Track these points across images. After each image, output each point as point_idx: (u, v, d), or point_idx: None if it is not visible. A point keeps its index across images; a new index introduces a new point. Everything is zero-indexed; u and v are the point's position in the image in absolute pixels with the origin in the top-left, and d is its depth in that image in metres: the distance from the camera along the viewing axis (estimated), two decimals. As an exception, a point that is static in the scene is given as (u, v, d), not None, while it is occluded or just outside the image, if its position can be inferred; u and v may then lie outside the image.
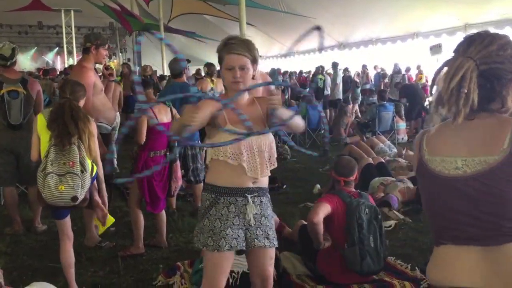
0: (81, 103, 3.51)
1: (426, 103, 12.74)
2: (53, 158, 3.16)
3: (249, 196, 2.41)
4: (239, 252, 2.47)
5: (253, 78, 2.44)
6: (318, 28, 2.19)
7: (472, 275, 1.49)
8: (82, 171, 3.17)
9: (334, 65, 14.40)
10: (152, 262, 4.14)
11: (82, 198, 3.20)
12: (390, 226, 4.89)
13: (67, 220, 3.43)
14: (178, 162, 4.51)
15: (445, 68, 1.52)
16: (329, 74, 14.99)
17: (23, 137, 4.62)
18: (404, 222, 5.04)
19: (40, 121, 3.35)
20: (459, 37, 12.95)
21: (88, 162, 3.26)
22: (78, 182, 3.14)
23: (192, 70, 13.23)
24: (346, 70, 15.94)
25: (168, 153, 4.33)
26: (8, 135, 4.56)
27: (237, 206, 2.40)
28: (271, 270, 2.58)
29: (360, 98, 13.81)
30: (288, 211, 5.39)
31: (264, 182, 2.49)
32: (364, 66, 16.67)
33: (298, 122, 2.51)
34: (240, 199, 2.41)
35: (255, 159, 2.39)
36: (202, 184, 5.49)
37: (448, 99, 1.47)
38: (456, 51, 1.55)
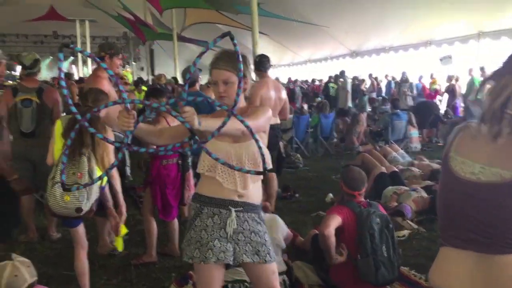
0: (103, 112, 3.53)
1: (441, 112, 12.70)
2: (63, 168, 3.18)
3: (233, 209, 2.33)
4: (228, 266, 2.42)
5: (244, 91, 2.37)
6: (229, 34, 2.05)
7: (464, 282, 1.52)
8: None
9: (342, 73, 14.43)
10: (164, 270, 4.15)
11: (88, 209, 3.20)
12: (403, 236, 4.85)
13: (80, 229, 3.44)
14: (190, 171, 4.52)
15: (491, 83, 1.49)
16: (340, 81, 14.99)
17: (36, 145, 4.67)
18: (418, 231, 4.99)
19: (58, 128, 3.37)
20: (472, 45, 12.91)
21: (97, 173, 3.28)
22: (84, 194, 3.15)
23: (204, 79, 13.31)
24: (355, 78, 15.94)
25: (180, 161, 4.35)
26: (22, 143, 4.62)
27: (221, 218, 2.33)
28: (277, 284, 2.48)
29: (367, 107, 13.79)
30: (301, 219, 5.38)
31: (253, 198, 2.40)
32: (370, 75, 16.65)
33: (231, 126, 2.04)
34: (224, 211, 2.34)
35: (233, 172, 2.30)
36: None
37: (490, 118, 1.46)
38: (506, 64, 1.51)
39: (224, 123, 1.96)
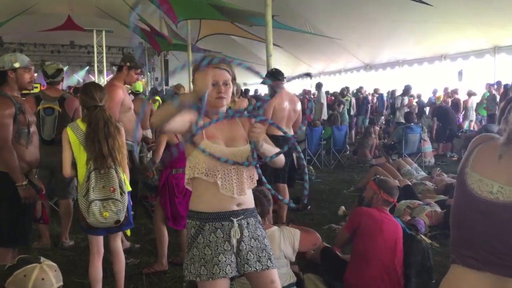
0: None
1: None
2: (94, 184, 3.24)
3: (234, 220, 2.31)
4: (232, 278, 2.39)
5: (232, 95, 2.42)
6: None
7: None
8: (121, 194, 3.28)
9: (318, 86, 14.39)
10: (175, 280, 4.15)
11: (123, 218, 3.32)
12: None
13: (101, 237, 3.49)
14: None
15: None
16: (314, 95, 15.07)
17: (56, 152, 4.75)
18: (432, 246, 4.94)
19: (71, 136, 3.37)
20: (488, 59, 12.83)
21: (126, 182, 3.36)
22: (120, 207, 3.27)
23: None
24: (359, 91, 15.93)
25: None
26: (43, 151, 4.67)
27: (224, 231, 2.30)
28: None
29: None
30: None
31: (248, 203, 2.39)
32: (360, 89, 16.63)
33: (281, 160, 2.43)
34: (226, 223, 2.30)
35: (231, 176, 2.30)
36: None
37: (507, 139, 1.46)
38: None
39: (280, 153, 2.24)
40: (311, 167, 9.14)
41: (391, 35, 13.77)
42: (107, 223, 3.27)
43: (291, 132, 5.62)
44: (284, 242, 3.50)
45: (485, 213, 1.46)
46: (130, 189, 3.48)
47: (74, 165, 3.41)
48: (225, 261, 2.27)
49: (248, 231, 2.36)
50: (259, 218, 2.49)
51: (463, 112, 13.65)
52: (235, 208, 2.33)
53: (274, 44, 7.81)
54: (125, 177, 3.44)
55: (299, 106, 5.72)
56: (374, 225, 3.53)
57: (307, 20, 13.96)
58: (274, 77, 5.65)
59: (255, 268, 2.33)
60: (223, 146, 2.32)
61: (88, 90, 3.46)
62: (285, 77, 5.86)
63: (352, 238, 3.74)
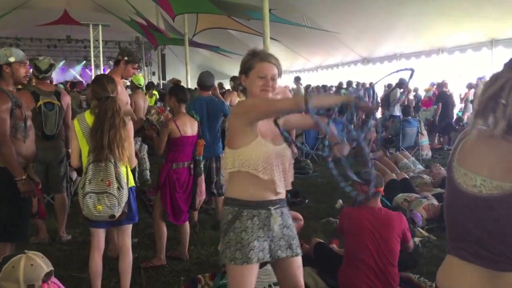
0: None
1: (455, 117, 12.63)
2: (91, 176, 3.24)
3: (272, 208, 2.39)
4: (261, 265, 2.46)
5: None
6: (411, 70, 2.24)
7: None
8: (118, 188, 3.25)
9: (297, 80, 14.38)
10: (173, 274, 4.16)
11: (120, 213, 3.29)
12: (414, 243, 4.81)
13: (102, 231, 3.50)
14: (202, 176, 4.54)
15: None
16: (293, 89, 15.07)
17: (54, 147, 4.85)
18: (429, 239, 4.96)
19: (76, 127, 3.38)
20: (485, 53, 12.82)
21: (124, 176, 3.33)
22: (115, 202, 3.23)
23: (215, 83, 13.39)
24: (358, 85, 15.90)
25: (191, 165, 4.36)
26: (41, 146, 4.67)
27: (260, 218, 2.38)
28: (302, 280, 2.55)
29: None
30: (311, 226, 5.36)
31: (284, 193, 2.48)
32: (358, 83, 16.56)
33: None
34: (263, 211, 2.38)
35: (280, 172, 2.39)
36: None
37: (483, 110, 1.44)
38: (505, 64, 1.51)
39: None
40: (308, 161, 9.15)
41: (388, 29, 13.75)
42: (100, 216, 3.25)
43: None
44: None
45: (471, 208, 1.45)
46: (133, 184, 3.46)
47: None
48: (258, 247, 2.35)
49: (282, 220, 2.45)
50: (288, 207, 2.58)
51: (462, 105, 13.66)
52: (273, 197, 2.41)
53: (271, 38, 7.79)
54: (128, 172, 3.41)
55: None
56: (354, 225, 3.52)
57: (305, 13, 13.92)
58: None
59: (286, 254, 2.44)
60: (272, 145, 2.40)
61: (100, 81, 3.47)
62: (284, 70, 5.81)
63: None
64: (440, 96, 12.35)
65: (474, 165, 1.49)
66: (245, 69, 2.45)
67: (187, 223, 4.49)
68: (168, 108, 4.91)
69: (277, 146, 2.42)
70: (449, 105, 11.87)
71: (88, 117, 3.39)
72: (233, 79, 8.73)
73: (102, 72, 20.19)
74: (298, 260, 2.52)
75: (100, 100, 3.36)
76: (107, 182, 3.23)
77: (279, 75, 2.47)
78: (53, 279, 2.22)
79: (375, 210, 3.57)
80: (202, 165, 4.50)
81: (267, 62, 2.41)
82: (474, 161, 1.49)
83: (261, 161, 2.33)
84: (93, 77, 20.37)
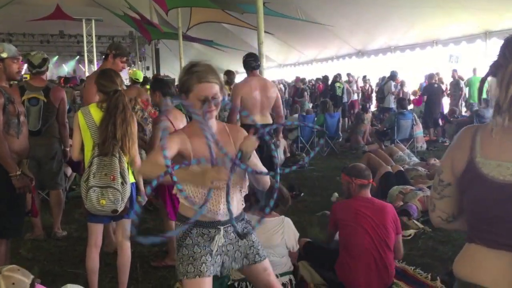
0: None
1: (445, 110, 12.65)
2: (96, 170, 3.22)
3: (221, 228, 2.33)
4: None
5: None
6: None
7: (500, 280, 1.48)
8: (122, 183, 3.24)
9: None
10: (170, 269, 4.15)
11: (122, 209, 3.28)
12: (409, 235, 4.83)
13: (101, 227, 3.47)
14: None
15: (498, 76, 1.47)
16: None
17: (42, 143, 4.76)
18: (424, 231, 4.98)
19: (80, 120, 3.35)
20: (479, 44, 12.84)
21: (129, 172, 3.32)
22: (118, 197, 3.22)
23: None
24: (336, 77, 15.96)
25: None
26: (30, 142, 4.65)
27: (210, 235, 2.33)
28: (272, 279, 2.53)
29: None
30: (306, 219, 5.37)
31: (236, 211, 2.35)
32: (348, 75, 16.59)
33: (266, 181, 2.41)
34: (213, 230, 2.33)
35: (220, 196, 2.25)
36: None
37: (508, 107, 1.43)
38: (502, 56, 1.50)
39: (266, 174, 2.29)
40: (303, 154, 9.16)
41: (383, 22, 13.73)
42: (103, 211, 3.24)
43: (268, 120, 5.45)
44: (288, 232, 3.51)
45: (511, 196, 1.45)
46: (133, 180, 3.43)
47: (83, 150, 3.40)
48: (210, 260, 2.31)
49: (234, 236, 2.39)
50: (246, 218, 2.49)
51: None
52: (223, 218, 2.32)
53: (265, 32, 7.76)
54: (132, 167, 3.40)
55: (273, 92, 5.49)
56: (349, 217, 3.52)
57: (299, 6, 13.87)
58: (244, 67, 5.58)
59: (242, 264, 2.45)
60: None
61: (108, 75, 3.44)
62: (258, 64, 5.71)
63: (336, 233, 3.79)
64: (426, 89, 12.39)
65: (506, 155, 1.47)
66: (184, 90, 2.26)
67: None
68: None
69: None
70: (436, 97, 11.85)
71: (94, 111, 3.36)
72: (227, 73, 8.71)
73: (95, 67, 20.13)
74: (263, 264, 2.48)
75: (108, 94, 3.33)
76: (112, 177, 3.21)
77: (222, 87, 2.29)
78: (39, 286, 2.19)
79: (368, 199, 3.61)
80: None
81: (206, 83, 2.21)
82: (504, 151, 1.48)
83: (192, 185, 2.22)
84: (86, 73, 20.29)
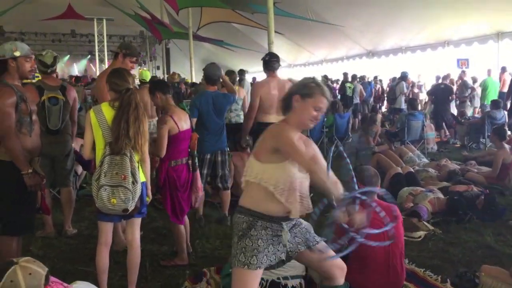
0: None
1: (455, 111, 12.55)
2: (107, 169, 3.23)
3: (284, 224, 2.53)
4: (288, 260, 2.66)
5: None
6: None
7: None
8: (133, 183, 3.25)
9: (240, 73, 14.24)
10: (178, 267, 4.17)
11: (133, 208, 3.30)
12: (419, 237, 4.80)
13: (111, 225, 3.50)
14: (198, 172, 4.39)
15: None
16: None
17: (59, 141, 4.86)
18: (434, 233, 4.94)
19: (92, 119, 3.36)
20: (491, 45, 12.74)
21: (140, 171, 3.34)
22: (129, 196, 3.23)
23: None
24: (362, 78, 15.88)
25: (189, 161, 4.24)
26: (46, 140, 4.68)
27: (273, 229, 2.52)
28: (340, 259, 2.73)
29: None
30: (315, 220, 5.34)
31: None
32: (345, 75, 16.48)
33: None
34: (275, 225, 2.52)
35: (295, 195, 2.49)
36: (229, 190, 5.50)
37: None
38: None
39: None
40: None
41: (393, 22, 13.66)
42: (114, 210, 3.26)
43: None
44: None
45: None
46: (144, 179, 3.44)
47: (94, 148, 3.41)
48: (272, 251, 2.52)
49: (291, 227, 2.63)
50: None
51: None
52: (286, 215, 2.52)
53: (275, 32, 7.76)
54: (141, 166, 3.41)
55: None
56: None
57: (309, 7, 13.84)
58: (265, 67, 5.62)
59: (307, 245, 2.64)
60: (297, 171, 2.48)
61: (120, 74, 3.47)
62: (279, 65, 5.76)
63: None
64: (433, 90, 12.30)
65: None
66: (304, 93, 2.50)
67: (187, 222, 4.42)
68: None
69: (301, 173, 2.50)
70: (443, 98, 11.74)
71: (106, 109, 3.36)
72: (228, 73, 8.71)
73: (106, 66, 20.24)
74: (322, 244, 2.67)
75: (121, 92, 3.35)
76: (122, 176, 3.22)
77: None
78: (52, 278, 2.21)
79: (380, 203, 3.54)
80: (196, 160, 4.37)
81: (326, 98, 2.50)
82: None
83: (283, 184, 2.44)
84: (97, 72, 20.41)
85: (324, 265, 2.70)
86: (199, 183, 4.38)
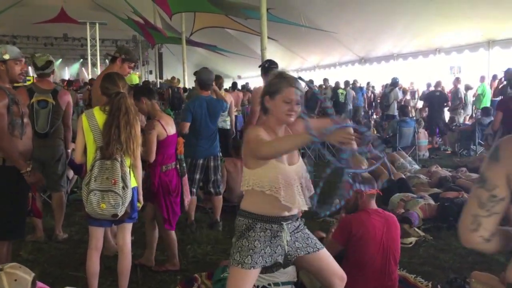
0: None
1: (447, 118, 12.62)
2: (97, 174, 3.21)
3: (284, 223, 2.52)
4: (285, 266, 2.65)
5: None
6: None
7: None
8: (123, 187, 3.22)
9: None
10: (169, 273, 4.15)
11: (123, 213, 3.27)
12: (410, 243, 4.82)
13: (101, 230, 3.46)
14: (186, 176, 4.37)
15: None
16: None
17: (48, 145, 4.80)
18: (425, 239, 4.96)
19: (84, 123, 3.34)
20: (482, 53, 12.86)
21: (131, 176, 3.32)
22: (119, 201, 3.21)
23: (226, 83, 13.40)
24: (354, 83, 15.96)
25: (177, 166, 4.21)
26: (35, 144, 4.67)
27: (273, 231, 2.51)
28: (337, 265, 2.73)
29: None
30: (307, 224, 5.32)
31: (297, 210, 2.59)
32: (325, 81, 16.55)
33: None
34: (275, 226, 2.51)
35: (292, 190, 2.46)
36: (221, 196, 5.49)
37: None
38: None
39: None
40: (305, 160, 9.15)
41: (386, 29, 13.77)
42: (103, 215, 3.23)
43: None
44: None
45: None
46: (135, 184, 3.41)
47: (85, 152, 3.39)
48: (269, 252, 2.50)
49: (292, 229, 2.60)
50: (300, 220, 2.70)
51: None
52: (286, 214, 2.53)
53: (268, 37, 7.80)
54: (133, 171, 3.38)
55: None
56: (366, 232, 3.38)
57: (302, 13, 13.94)
58: (264, 73, 5.65)
59: (307, 251, 2.61)
60: (286, 165, 2.48)
61: (111, 78, 3.46)
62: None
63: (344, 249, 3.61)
64: (427, 97, 12.37)
65: None
66: (271, 91, 2.48)
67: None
68: None
69: (292, 166, 2.51)
70: (436, 105, 11.82)
71: (98, 114, 3.34)
72: (216, 78, 8.74)
73: (99, 70, 20.19)
74: (323, 251, 2.67)
75: (111, 96, 3.34)
76: (113, 181, 3.20)
77: (301, 97, 2.51)
78: (40, 284, 2.18)
79: (379, 212, 3.52)
80: (184, 164, 4.36)
81: (294, 88, 2.45)
82: None
83: (276, 182, 2.42)
84: (90, 76, 20.35)
85: (324, 273, 2.69)
86: (187, 187, 4.38)
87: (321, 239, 3.93)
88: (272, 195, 2.43)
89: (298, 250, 2.60)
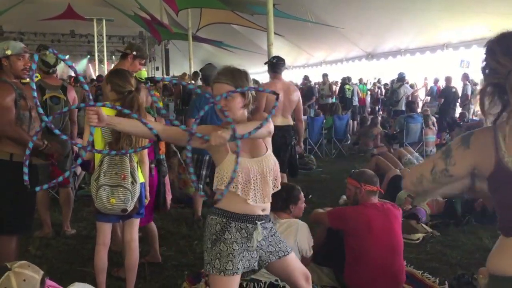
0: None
1: (457, 114, 12.56)
2: (106, 169, 3.24)
3: (259, 223, 2.43)
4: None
5: (245, 106, 2.44)
6: None
7: None
8: (132, 183, 3.25)
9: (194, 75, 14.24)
10: (177, 268, 4.17)
11: (132, 208, 3.30)
12: (418, 239, 4.81)
13: (109, 226, 3.48)
14: (167, 176, 4.34)
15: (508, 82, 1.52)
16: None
17: (59, 141, 4.77)
18: (432, 235, 4.95)
19: None
20: (490, 48, 12.76)
21: (139, 171, 3.34)
22: (128, 196, 3.23)
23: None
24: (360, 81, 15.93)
25: (154, 165, 4.06)
26: (47, 140, 4.68)
27: (248, 231, 2.41)
28: (304, 267, 2.70)
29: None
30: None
31: (269, 208, 2.54)
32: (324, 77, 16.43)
33: (260, 132, 2.30)
34: (250, 225, 2.41)
35: (258, 186, 2.39)
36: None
37: None
38: (496, 63, 1.59)
39: (258, 128, 2.22)
40: (312, 156, 9.15)
41: (393, 24, 13.67)
42: (113, 210, 3.25)
43: (289, 121, 5.68)
44: (302, 235, 3.49)
45: None
46: (143, 180, 3.43)
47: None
48: (247, 257, 2.41)
49: (267, 233, 2.51)
50: (271, 220, 2.63)
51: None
52: (260, 212, 2.45)
53: (275, 33, 7.77)
54: (140, 167, 3.40)
55: (295, 96, 5.75)
56: (362, 226, 3.42)
57: (309, 8, 13.86)
58: (271, 69, 5.70)
59: (279, 255, 2.53)
60: (248, 159, 2.38)
61: (123, 75, 3.48)
62: (285, 68, 5.91)
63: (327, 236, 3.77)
64: (443, 92, 12.29)
65: None
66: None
67: (152, 222, 4.33)
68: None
69: (255, 158, 2.41)
70: (451, 102, 11.79)
71: (106, 109, 3.35)
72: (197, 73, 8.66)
73: (105, 67, 20.24)
74: (292, 255, 2.62)
75: (123, 94, 3.35)
76: (122, 176, 3.23)
77: (240, 86, 2.37)
78: (48, 282, 2.18)
79: (378, 206, 3.55)
80: (166, 164, 4.28)
81: (217, 83, 2.41)
82: None
83: (240, 177, 2.33)
84: (97, 72, 20.39)
85: (291, 276, 2.63)
86: (169, 186, 4.31)
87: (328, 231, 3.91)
88: (244, 196, 2.35)
89: (270, 256, 2.50)
